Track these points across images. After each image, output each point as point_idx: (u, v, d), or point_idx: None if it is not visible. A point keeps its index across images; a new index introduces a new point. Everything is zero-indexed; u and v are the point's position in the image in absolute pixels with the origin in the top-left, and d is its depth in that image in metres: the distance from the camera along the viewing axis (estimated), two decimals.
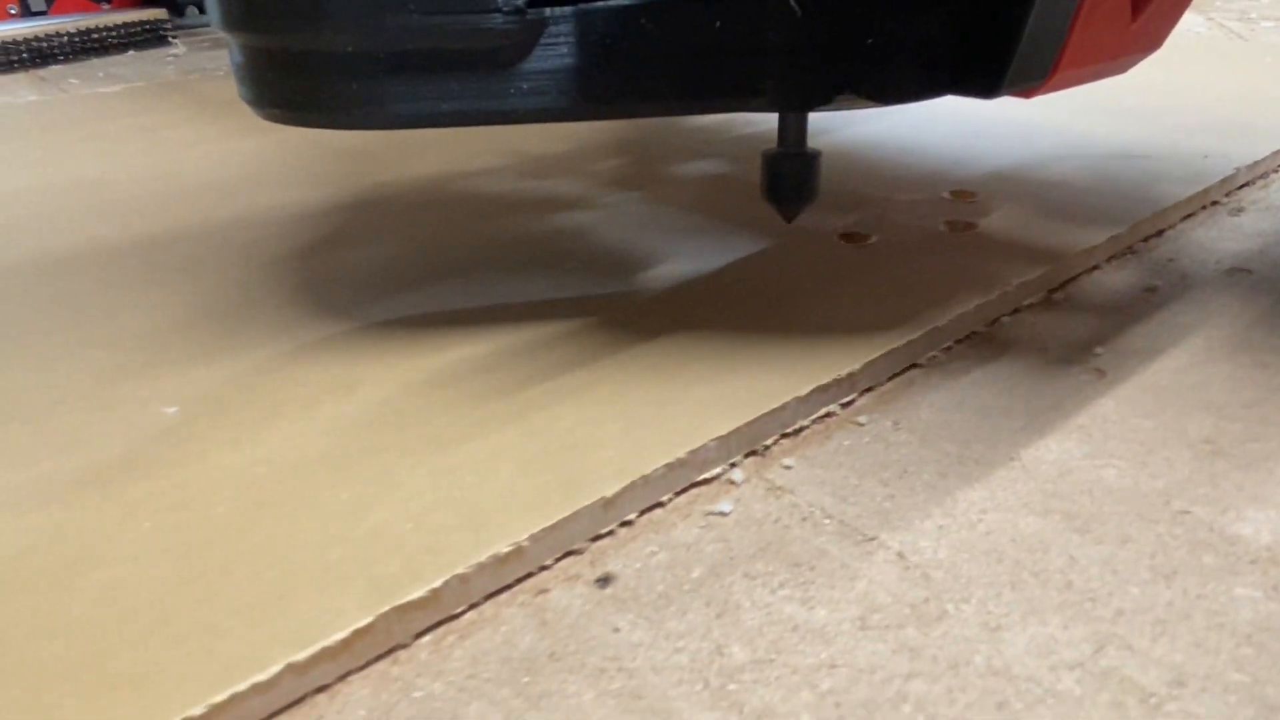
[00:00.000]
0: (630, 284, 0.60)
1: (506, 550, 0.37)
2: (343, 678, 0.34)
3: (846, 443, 0.45)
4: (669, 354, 0.51)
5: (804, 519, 0.40)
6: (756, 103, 0.46)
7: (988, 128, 0.90)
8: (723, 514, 0.41)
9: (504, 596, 0.37)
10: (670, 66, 0.44)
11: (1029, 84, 0.47)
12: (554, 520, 0.38)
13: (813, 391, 0.47)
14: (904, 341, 0.51)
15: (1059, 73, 0.48)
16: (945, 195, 0.74)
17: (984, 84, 0.46)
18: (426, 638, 0.35)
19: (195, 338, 0.55)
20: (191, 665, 0.32)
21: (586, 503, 0.39)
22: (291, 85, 0.45)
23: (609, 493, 0.40)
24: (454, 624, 0.36)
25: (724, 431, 0.44)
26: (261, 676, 0.32)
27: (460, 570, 0.36)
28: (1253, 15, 1.41)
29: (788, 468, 0.44)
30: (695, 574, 0.38)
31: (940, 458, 0.44)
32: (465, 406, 0.47)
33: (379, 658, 0.34)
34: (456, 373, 0.50)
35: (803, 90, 0.45)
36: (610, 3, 0.43)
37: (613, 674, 0.34)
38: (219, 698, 0.31)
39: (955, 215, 0.69)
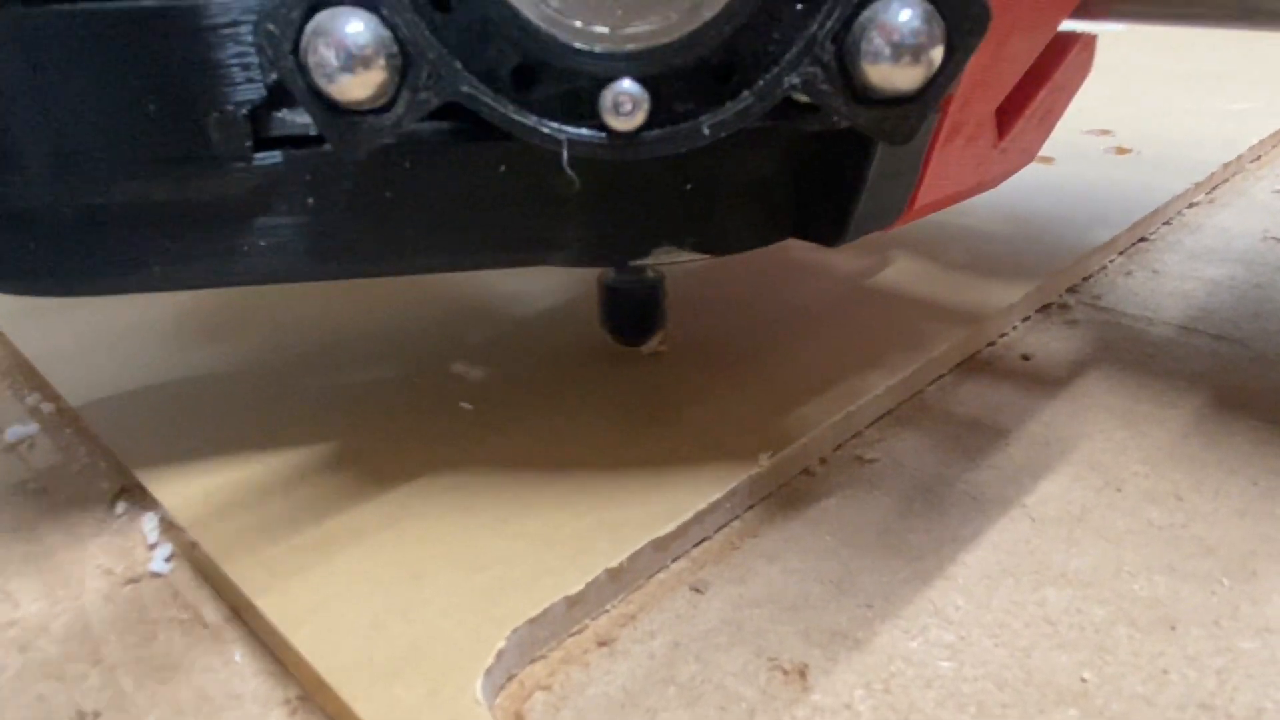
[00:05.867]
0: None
1: None
2: None
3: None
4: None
5: None
6: (557, 257, 0.38)
7: None
8: None
9: None
10: (445, 217, 0.36)
11: (879, 227, 0.41)
12: None
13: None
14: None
15: (912, 211, 0.41)
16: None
17: (827, 233, 0.39)
18: None
19: None
20: None
21: None
22: None
23: None
24: None
25: None
26: None
27: None
28: None
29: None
30: None
31: None
32: None
33: None
34: None
35: (611, 244, 0.38)
36: (364, 145, 0.34)
37: None
38: None
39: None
